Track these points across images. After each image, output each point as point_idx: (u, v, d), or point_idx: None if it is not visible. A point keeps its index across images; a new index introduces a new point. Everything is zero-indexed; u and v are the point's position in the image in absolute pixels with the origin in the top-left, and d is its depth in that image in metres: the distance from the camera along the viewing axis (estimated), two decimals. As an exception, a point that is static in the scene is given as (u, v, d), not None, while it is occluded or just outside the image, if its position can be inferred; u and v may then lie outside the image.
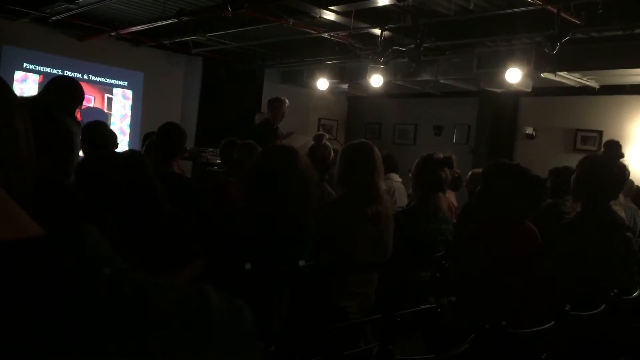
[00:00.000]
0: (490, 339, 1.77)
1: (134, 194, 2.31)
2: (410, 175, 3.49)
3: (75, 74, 8.15)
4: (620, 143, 2.98)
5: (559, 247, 2.68)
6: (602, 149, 2.92)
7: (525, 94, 8.08)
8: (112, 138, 3.67)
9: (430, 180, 3.31)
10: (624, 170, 2.77)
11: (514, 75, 6.71)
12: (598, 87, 7.84)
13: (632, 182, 4.44)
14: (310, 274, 2.42)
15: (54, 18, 7.12)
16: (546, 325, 2.01)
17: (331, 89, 9.50)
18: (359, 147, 2.91)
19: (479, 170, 5.25)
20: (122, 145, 7.86)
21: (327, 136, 5.22)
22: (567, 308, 2.06)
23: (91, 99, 8.34)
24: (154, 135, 3.70)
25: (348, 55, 7.97)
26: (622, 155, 2.82)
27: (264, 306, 2.24)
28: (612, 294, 2.34)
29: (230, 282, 2.22)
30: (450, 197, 5.30)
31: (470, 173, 5.20)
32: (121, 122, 8.80)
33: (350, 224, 2.71)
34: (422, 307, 2.76)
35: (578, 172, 2.85)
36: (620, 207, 3.89)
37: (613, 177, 2.72)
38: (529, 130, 8.81)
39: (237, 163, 4.08)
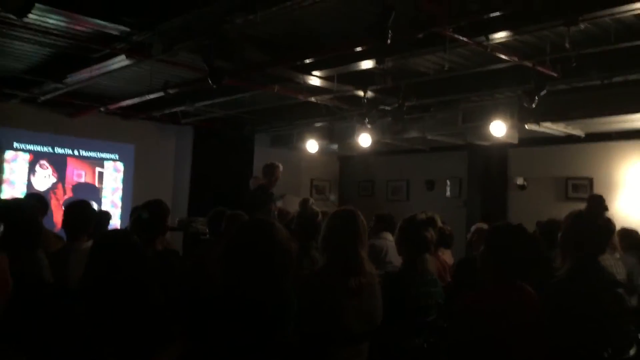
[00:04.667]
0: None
1: (119, 280, 2.28)
2: (394, 239, 3.44)
3: (66, 150, 8.21)
4: (604, 197, 2.97)
5: (550, 308, 2.61)
6: (586, 204, 2.89)
7: (513, 145, 8.14)
8: (95, 219, 3.63)
9: (415, 242, 3.26)
10: (608, 224, 2.74)
11: (498, 128, 6.77)
12: (584, 135, 7.90)
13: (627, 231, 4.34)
14: (295, 348, 2.35)
15: (42, 98, 7.20)
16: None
17: (322, 150, 9.58)
18: (341, 214, 2.88)
19: (482, 224, 5.22)
20: (115, 218, 7.83)
21: (312, 200, 5.22)
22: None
23: (82, 174, 8.37)
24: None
25: (336, 117, 8.07)
26: (606, 209, 2.80)
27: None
28: (605, 354, 2.27)
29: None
30: (444, 256, 5.24)
31: (474, 228, 5.19)
32: (112, 195, 8.79)
33: (333, 296, 2.63)
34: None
35: (564, 228, 2.81)
36: (617, 261, 3.82)
37: (597, 231, 2.69)
38: (520, 181, 8.83)
39: (225, 233, 4.04)
